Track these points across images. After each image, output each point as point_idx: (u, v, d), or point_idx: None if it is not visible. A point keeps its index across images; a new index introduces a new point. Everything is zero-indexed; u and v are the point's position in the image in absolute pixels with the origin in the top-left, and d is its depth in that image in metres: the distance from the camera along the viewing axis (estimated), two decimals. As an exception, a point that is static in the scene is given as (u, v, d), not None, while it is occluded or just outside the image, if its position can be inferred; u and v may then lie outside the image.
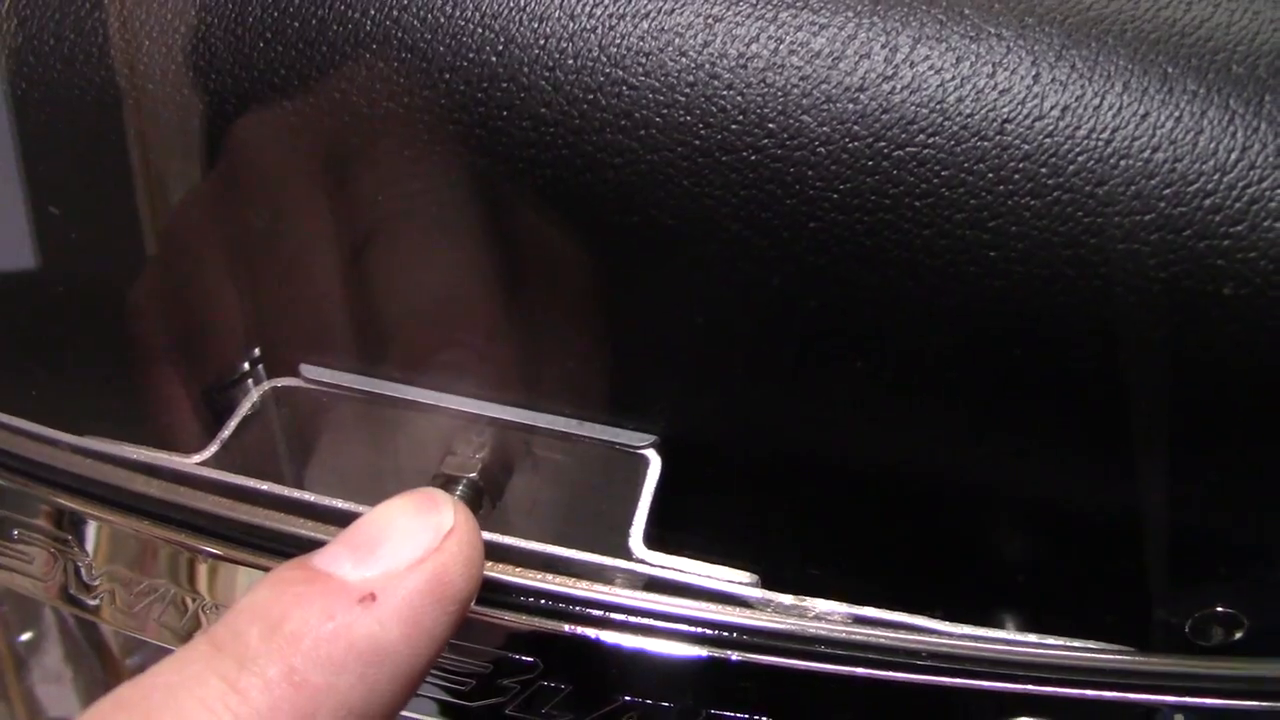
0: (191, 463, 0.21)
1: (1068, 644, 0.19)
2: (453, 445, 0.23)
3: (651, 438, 0.22)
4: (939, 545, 0.22)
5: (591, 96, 0.20)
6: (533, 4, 0.20)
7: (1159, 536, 0.21)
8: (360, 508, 0.20)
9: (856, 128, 0.19)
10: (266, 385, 0.22)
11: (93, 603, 0.22)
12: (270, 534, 0.20)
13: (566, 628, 0.19)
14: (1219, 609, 0.21)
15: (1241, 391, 0.19)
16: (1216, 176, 0.19)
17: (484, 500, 0.22)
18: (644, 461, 0.21)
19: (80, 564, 0.21)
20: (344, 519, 0.19)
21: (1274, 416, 0.19)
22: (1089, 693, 0.19)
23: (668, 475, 0.21)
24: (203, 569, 0.20)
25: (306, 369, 0.22)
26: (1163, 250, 0.19)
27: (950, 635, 0.19)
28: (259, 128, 0.20)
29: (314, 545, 0.18)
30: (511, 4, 0.20)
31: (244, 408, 0.22)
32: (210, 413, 0.23)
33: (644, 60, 0.20)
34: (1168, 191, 0.19)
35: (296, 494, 0.20)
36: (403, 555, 0.17)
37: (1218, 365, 0.19)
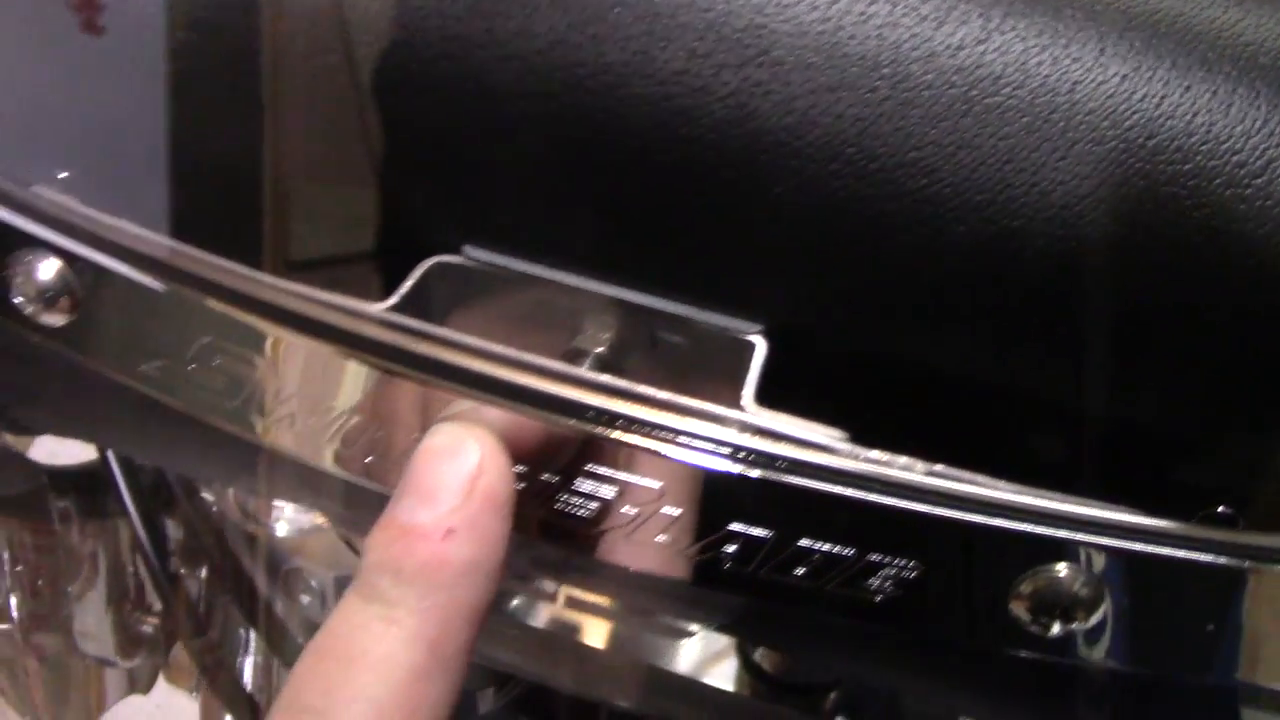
0: (380, 309, 0.25)
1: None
2: (584, 325, 0.27)
3: (759, 326, 0.26)
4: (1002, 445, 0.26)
5: (738, 36, 0.24)
6: None
7: (1163, 443, 0.25)
8: (540, 360, 0.24)
9: (955, 78, 0.24)
10: (432, 260, 0.27)
11: (273, 423, 0.25)
12: (456, 370, 0.24)
13: (686, 458, 0.23)
14: (1219, 510, 0.25)
15: (1259, 316, 0.24)
16: (1244, 139, 0.23)
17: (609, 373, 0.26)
18: (751, 346, 0.26)
19: (269, 388, 0.25)
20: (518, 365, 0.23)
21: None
22: (1137, 545, 0.23)
23: (770, 360, 0.25)
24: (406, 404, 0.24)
25: (469, 249, 0.27)
26: (1197, 195, 0.23)
27: (1012, 489, 0.23)
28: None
29: (498, 386, 0.23)
30: None
31: (415, 274, 0.26)
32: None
33: (783, 10, 0.24)
34: (1204, 148, 0.23)
35: (477, 341, 0.24)
36: (457, 487, 0.22)
37: (1240, 295, 0.23)
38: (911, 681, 0.32)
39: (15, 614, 0.58)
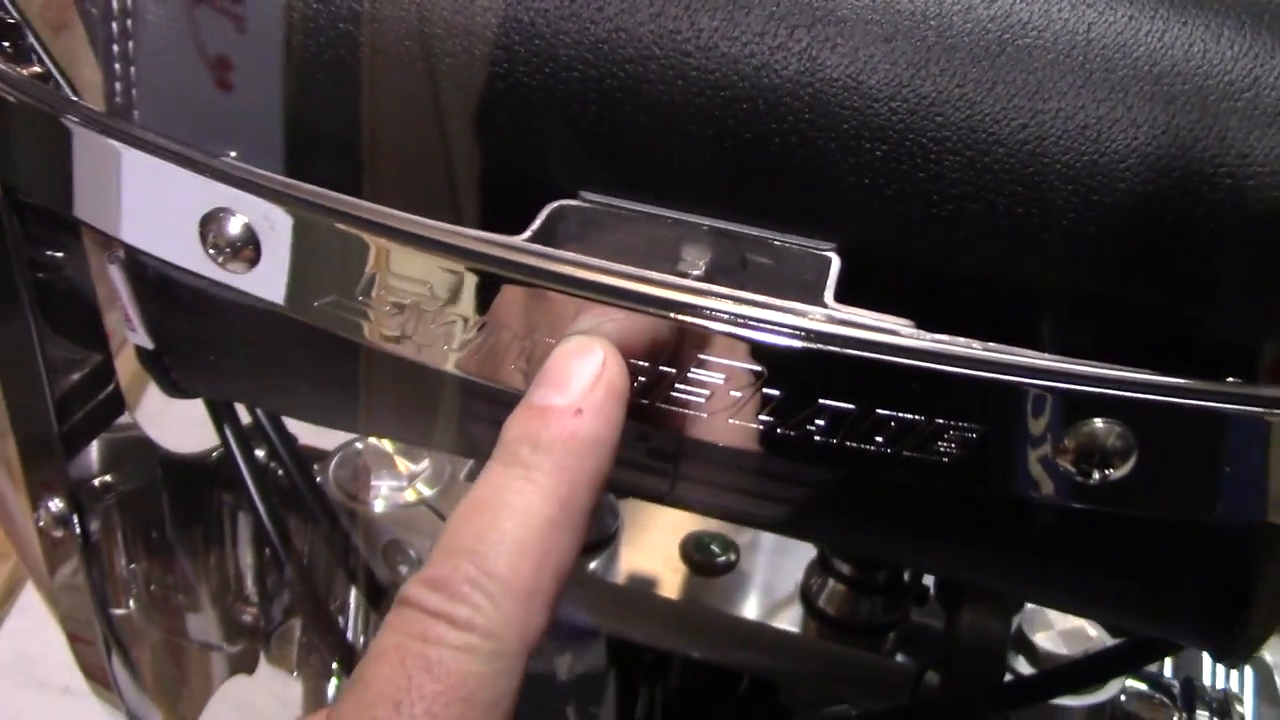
0: (519, 240, 0.30)
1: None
2: (683, 252, 0.32)
3: (833, 244, 0.31)
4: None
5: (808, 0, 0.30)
6: None
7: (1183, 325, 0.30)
8: (652, 273, 0.29)
9: (990, 25, 0.29)
10: (556, 203, 0.32)
11: (426, 341, 0.31)
12: (583, 283, 0.29)
13: (778, 342, 0.28)
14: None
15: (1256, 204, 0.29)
16: (1233, 61, 0.29)
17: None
18: (828, 259, 0.31)
19: (428, 308, 0.30)
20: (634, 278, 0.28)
21: None
22: (1159, 398, 0.28)
23: (843, 271, 0.31)
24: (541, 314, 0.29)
25: (584, 193, 0.32)
26: (1199, 110, 0.29)
27: (1053, 358, 0.28)
28: None
29: (619, 294, 0.28)
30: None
31: (543, 214, 0.31)
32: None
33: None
34: (1201, 70, 0.29)
35: (599, 261, 0.29)
36: (585, 379, 0.28)
37: (1237, 187, 0.29)
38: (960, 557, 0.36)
39: (133, 603, 0.63)
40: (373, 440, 0.59)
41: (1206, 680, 0.58)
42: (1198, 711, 0.54)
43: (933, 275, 0.31)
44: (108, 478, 0.47)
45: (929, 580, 0.54)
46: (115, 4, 0.33)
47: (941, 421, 0.28)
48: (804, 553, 0.57)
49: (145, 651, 0.63)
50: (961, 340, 0.29)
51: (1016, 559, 0.35)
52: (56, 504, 0.45)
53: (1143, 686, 0.55)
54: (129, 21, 0.33)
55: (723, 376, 0.29)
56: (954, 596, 0.48)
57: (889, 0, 0.30)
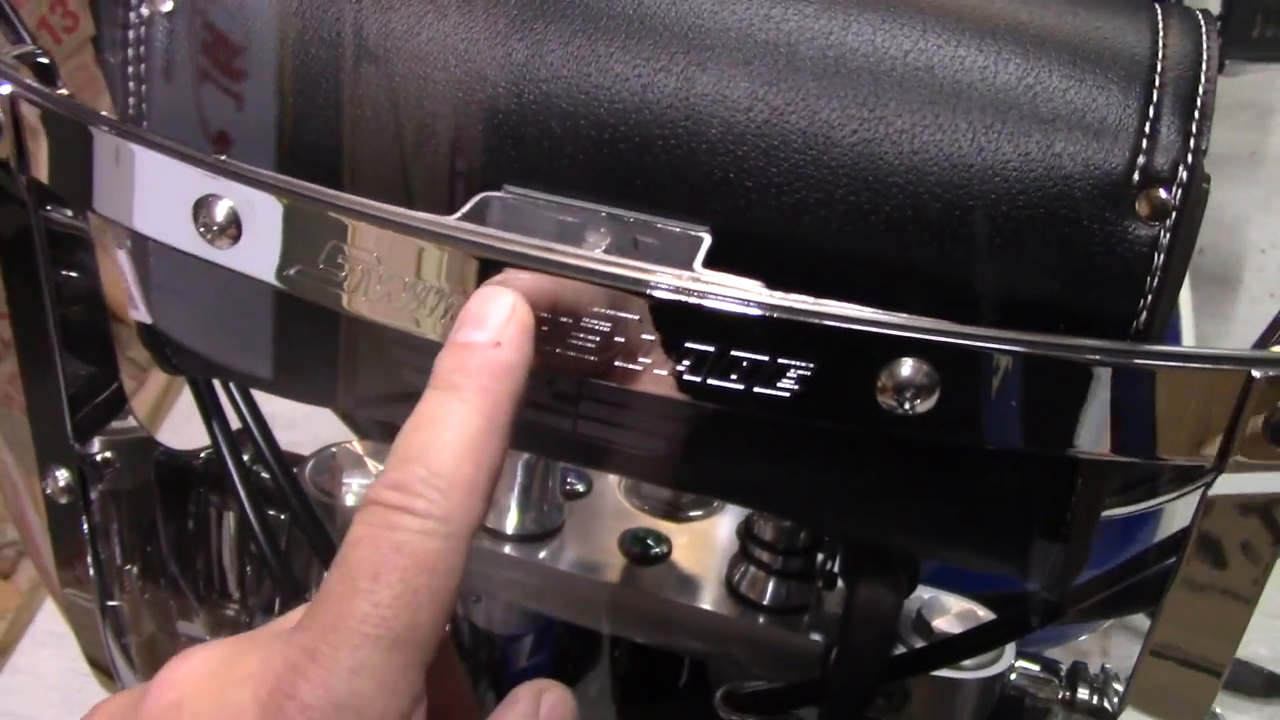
0: (452, 220, 0.38)
1: None
2: (587, 236, 0.39)
3: (706, 227, 0.38)
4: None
5: (681, 36, 0.37)
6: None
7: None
8: (559, 245, 0.36)
9: (828, 50, 0.37)
10: (482, 194, 0.39)
11: (374, 299, 0.38)
12: (522, 255, 0.36)
13: (657, 295, 0.35)
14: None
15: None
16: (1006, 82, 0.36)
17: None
18: (700, 239, 0.38)
19: (375, 272, 0.37)
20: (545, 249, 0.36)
21: None
22: (954, 340, 0.34)
23: (711, 248, 0.38)
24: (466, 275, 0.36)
25: (508, 187, 0.39)
26: (982, 118, 0.36)
27: (873, 310, 0.35)
28: None
29: (532, 260, 0.35)
30: None
31: (472, 202, 0.39)
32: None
33: (714, 16, 0.38)
34: (981, 85, 0.36)
35: (517, 236, 0.37)
36: (500, 317, 0.35)
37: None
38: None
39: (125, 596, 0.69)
40: (346, 443, 0.66)
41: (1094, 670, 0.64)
42: (1079, 689, 0.60)
43: (785, 249, 0.38)
44: (108, 454, 0.53)
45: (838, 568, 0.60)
46: (133, 34, 0.41)
47: (783, 361, 0.35)
48: (729, 546, 0.63)
49: (139, 642, 0.69)
50: (797, 295, 0.36)
51: (859, 495, 0.42)
52: (63, 474, 0.52)
53: (1033, 667, 0.61)
54: (143, 48, 0.41)
55: (609, 326, 0.36)
56: (854, 574, 0.54)
57: (748, 31, 0.38)
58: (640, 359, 0.36)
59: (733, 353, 0.36)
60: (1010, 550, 0.42)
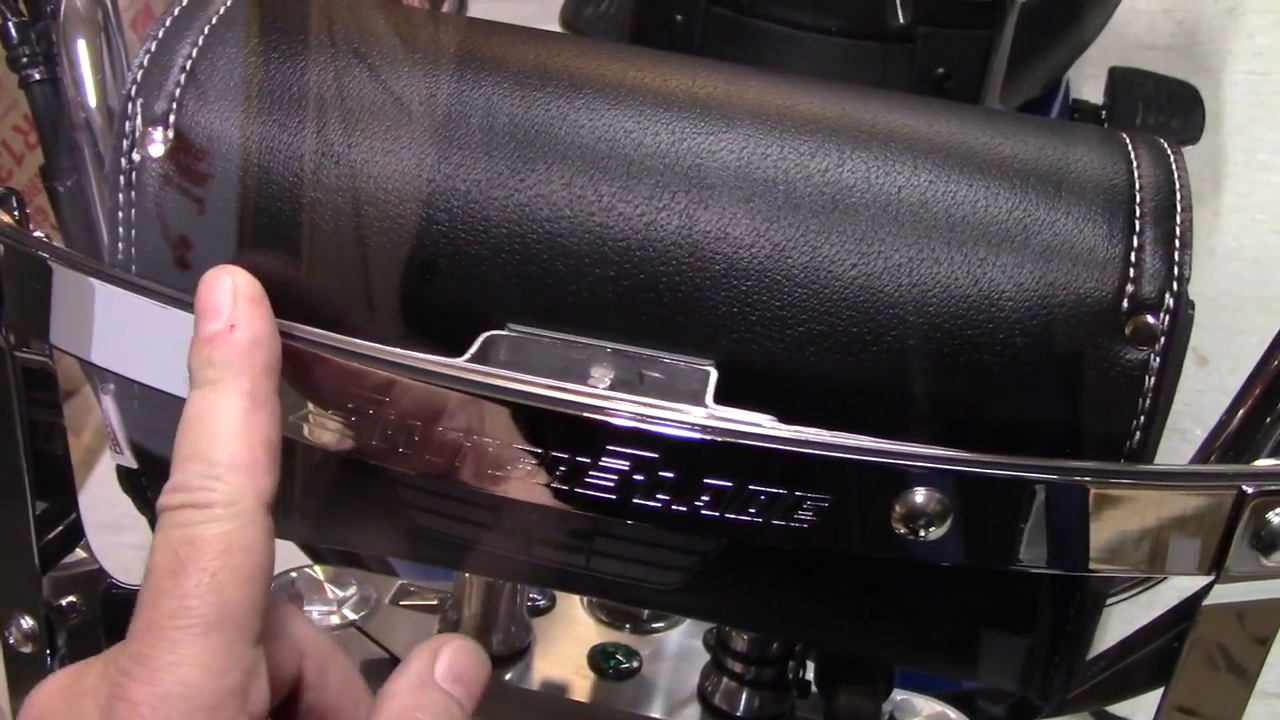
0: (460, 361, 0.38)
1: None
2: (591, 371, 0.39)
3: (711, 360, 0.39)
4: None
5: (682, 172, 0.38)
6: None
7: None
8: (571, 385, 0.37)
9: (825, 188, 0.39)
10: (488, 333, 0.39)
11: (393, 447, 0.37)
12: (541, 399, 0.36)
13: (673, 433, 0.36)
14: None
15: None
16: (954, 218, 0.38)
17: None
18: (708, 372, 0.39)
19: (387, 416, 0.37)
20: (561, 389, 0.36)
21: None
22: (966, 469, 0.36)
23: (719, 382, 0.39)
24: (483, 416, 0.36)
25: (511, 325, 0.40)
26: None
27: (888, 443, 0.36)
28: None
29: (549, 401, 0.35)
30: None
31: (479, 341, 0.39)
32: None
33: (713, 156, 0.39)
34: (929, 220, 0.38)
35: (530, 377, 0.37)
36: (226, 301, 0.36)
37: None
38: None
39: None
40: (305, 568, 0.65)
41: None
42: (1053, 781, 0.61)
43: (790, 381, 0.39)
44: (72, 598, 0.52)
45: (810, 676, 0.61)
46: (123, 179, 0.40)
47: (800, 494, 0.36)
48: (699, 659, 0.63)
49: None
50: (812, 429, 0.37)
51: (867, 616, 0.43)
52: (27, 621, 0.50)
53: (1004, 760, 0.62)
54: (133, 193, 0.40)
55: (627, 465, 0.36)
56: (831, 683, 0.55)
57: (748, 170, 0.39)
58: (658, 496, 0.37)
59: (750, 487, 0.36)
60: (1010, 661, 0.43)
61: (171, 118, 0.40)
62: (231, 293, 0.36)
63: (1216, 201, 2.12)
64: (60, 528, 0.54)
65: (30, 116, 0.60)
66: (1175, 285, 0.37)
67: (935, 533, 0.36)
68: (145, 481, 0.45)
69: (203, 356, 0.36)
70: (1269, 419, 0.45)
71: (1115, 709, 0.55)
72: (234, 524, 0.34)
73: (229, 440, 0.35)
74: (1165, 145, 0.41)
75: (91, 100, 0.56)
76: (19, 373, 0.44)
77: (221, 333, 0.36)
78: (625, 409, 0.36)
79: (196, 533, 0.34)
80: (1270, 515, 0.36)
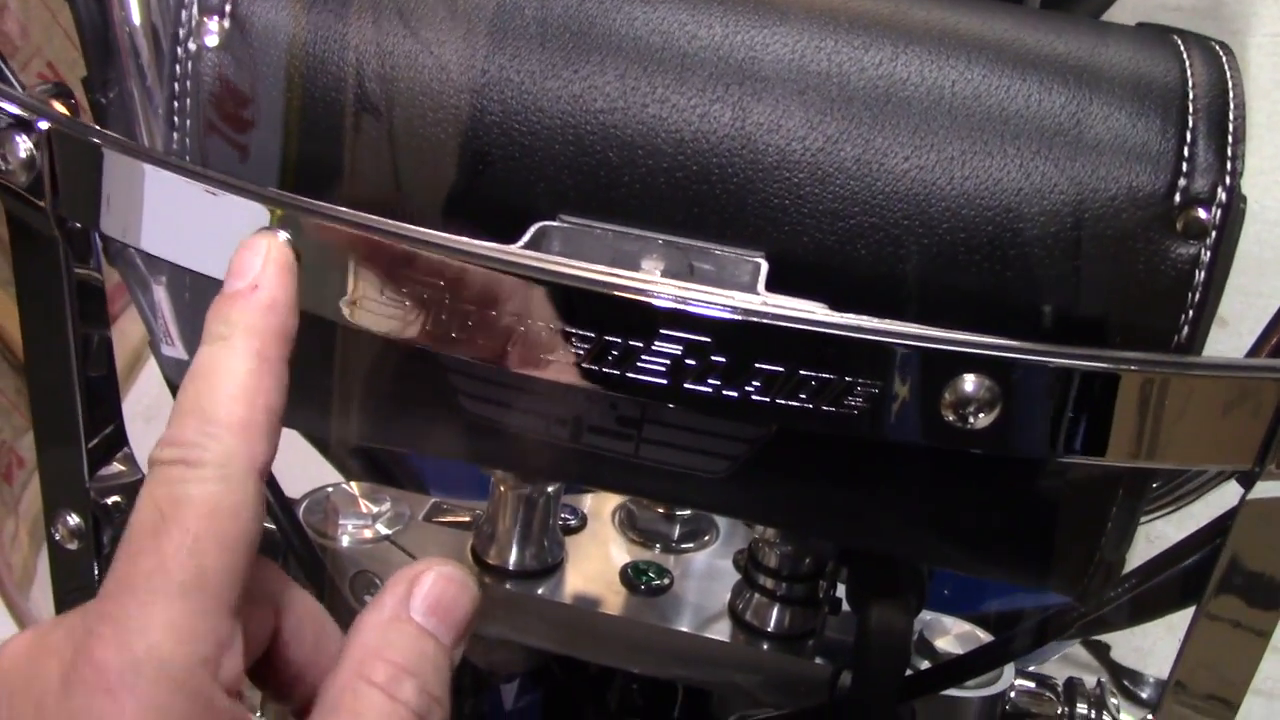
0: (514, 249, 0.38)
1: None
2: (641, 263, 0.40)
3: (762, 252, 0.39)
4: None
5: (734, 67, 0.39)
6: None
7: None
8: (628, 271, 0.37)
9: (879, 81, 0.39)
10: (540, 223, 0.40)
11: (446, 332, 0.38)
12: (590, 280, 0.36)
13: (727, 316, 0.36)
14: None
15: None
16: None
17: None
18: (758, 264, 0.39)
19: (439, 301, 0.38)
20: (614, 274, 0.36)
21: None
22: (1015, 355, 0.36)
23: (771, 274, 0.39)
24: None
25: (563, 216, 0.40)
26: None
27: (936, 330, 0.36)
28: None
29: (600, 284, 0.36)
30: None
31: (530, 231, 0.39)
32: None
33: (766, 50, 0.39)
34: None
35: (580, 261, 0.37)
36: (256, 263, 0.36)
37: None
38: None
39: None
40: (340, 484, 0.65)
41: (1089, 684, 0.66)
42: (1078, 705, 0.62)
43: (841, 273, 0.39)
44: (118, 498, 0.52)
45: (840, 592, 0.62)
46: (179, 69, 0.41)
47: (850, 379, 0.37)
48: (729, 578, 0.64)
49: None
50: (864, 317, 0.37)
51: (910, 513, 0.43)
52: (73, 518, 0.51)
53: (1031, 684, 0.62)
54: (189, 83, 0.41)
55: (680, 349, 0.37)
56: (863, 598, 0.55)
57: (801, 62, 0.39)
58: (709, 381, 0.37)
59: (801, 372, 0.37)
60: (1050, 562, 0.43)
61: (228, 6, 0.41)
62: (263, 255, 0.36)
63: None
64: (105, 432, 0.55)
65: (53, 63, 0.60)
66: (1228, 179, 0.37)
67: (984, 420, 0.37)
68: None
69: (219, 313, 0.36)
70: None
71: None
72: (222, 486, 0.33)
73: (230, 399, 0.34)
74: (1216, 45, 0.41)
75: (135, 7, 0.56)
76: (71, 263, 0.45)
77: (242, 291, 0.36)
78: (678, 293, 0.37)
79: (183, 491, 0.32)
80: (1316, 410, 0.37)
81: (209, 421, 0.34)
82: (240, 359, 0.35)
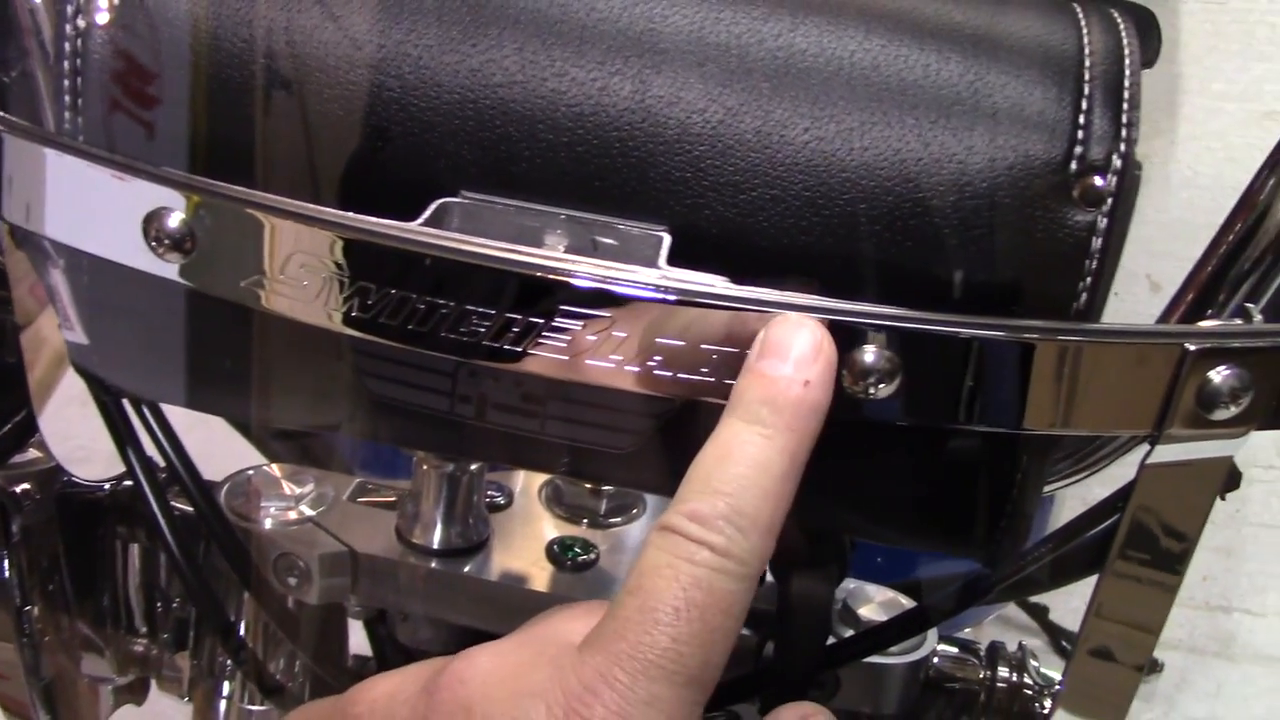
0: (414, 225, 0.38)
1: None
2: (544, 238, 0.40)
3: (664, 226, 0.39)
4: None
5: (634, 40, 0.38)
6: None
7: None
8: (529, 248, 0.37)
9: (778, 52, 0.39)
10: (440, 200, 0.39)
11: (349, 311, 0.37)
12: (490, 258, 0.36)
13: (633, 293, 0.36)
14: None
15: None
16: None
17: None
18: (660, 238, 0.39)
19: (342, 279, 0.37)
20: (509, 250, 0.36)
21: None
22: (915, 325, 0.36)
23: (673, 248, 0.39)
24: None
25: (464, 192, 0.40)
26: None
27: (834, 300, 0.37)
28: None
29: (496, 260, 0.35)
30: None
31: (431, 208, 0.39)
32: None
33: (666, 20, 0.39)
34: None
35: (476, 239, 0.37)
36: (807, 352, 0.35)
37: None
38: None
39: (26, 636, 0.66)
40: (263, 466, 0.65)
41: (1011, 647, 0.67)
42: (999, 668, 0.62)
43: (743, 245, 0.39)
44: (26, 485, 0.52)
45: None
46: (68, 46, 0.40)
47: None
48: (656, 550, 0.64)
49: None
50: (764, 289, 0.37)
51: (819, 484, 0.43)
52: (-21, 507, 0.50)
53: (954, 650, 0.63)
54: (79, 61, 0.40)
55: (580, 325, 0.37)
56: (785, 568, 0.56)
57: (700, 34, 0.39)
58: (610, 356, 0.37)
59: (703, 346, 0.37)
60: (956, 528, 0.43)
61: (116, -18, 0.40)
62: (816, 348, 0.35)
63: (1172, 130, 2.13)
64: (16, 419, 0.54)
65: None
66: (1123, 147, 0.38)
67: (885, 390, 0.37)
68: (97, 359, 0.45)
69: (765, 394, 0.34)
70: (1219, 285, 0.46)
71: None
72: (740, 585, 0.33)
73: (762, 496, 0.34)
74: (1114, 13, 0.41)
75: (35, -16, 0.55)
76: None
77: (793, 381, 0.34)
78: (580, 269, 0.36)
79: (707, 578, 0.33)
80: (1212, 374, 0.37)
81: (741, 514, 0.34)
82: (779, 457, 0.34)
